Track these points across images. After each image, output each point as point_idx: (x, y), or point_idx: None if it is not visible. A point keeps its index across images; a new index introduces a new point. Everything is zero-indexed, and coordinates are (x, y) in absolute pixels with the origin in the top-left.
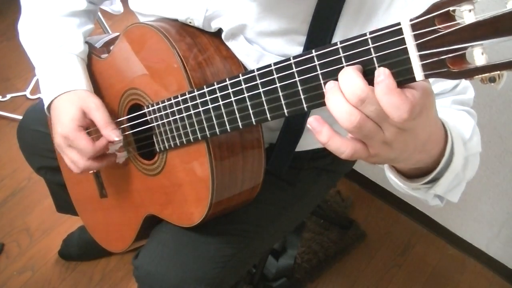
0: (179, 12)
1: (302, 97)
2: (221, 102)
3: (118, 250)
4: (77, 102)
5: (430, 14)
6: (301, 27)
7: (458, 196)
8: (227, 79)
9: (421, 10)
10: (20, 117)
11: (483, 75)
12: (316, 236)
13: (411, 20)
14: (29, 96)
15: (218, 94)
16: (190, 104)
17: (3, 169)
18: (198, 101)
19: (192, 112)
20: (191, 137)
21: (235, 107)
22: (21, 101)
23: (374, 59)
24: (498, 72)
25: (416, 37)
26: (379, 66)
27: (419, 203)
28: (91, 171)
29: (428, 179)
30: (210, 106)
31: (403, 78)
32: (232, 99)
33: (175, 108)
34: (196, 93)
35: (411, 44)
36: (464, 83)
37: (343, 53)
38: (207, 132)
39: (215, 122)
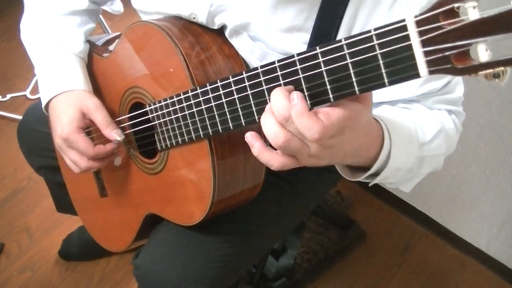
0: (183, 7)
1: (306, 94)
2: (224, 100)
3: (118, 249)
4: (75, 103)
5: (434, 10)
6: (306, 24)
7: (410, 187)
8: (230, 77)
9: (424, 7)
10: (20, 117)
11: (487, 71)
12: (316, 236)
13: (415, 16)
14: (29, 96)
15: (221, 92)
16: (192, 102)
17: (3, 169)
18: (201, 99)
19: (194, 110)
20: (193, 135)
21: (238, 105)
22: (21, 101)
23: (379, 55)
24: (502, 68)
25: (421, 33)
26: (383, 63)
27: (419, 203)
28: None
29: (366, 175)
30: (213, 104)
31: (408, 74)
32: (235, 96)
33: (177, 106)
34: (198, 91)
35: (415, 41)
36: (455, 80)
37: (347, 50)
38: (210, 130)
39: (217, 120)
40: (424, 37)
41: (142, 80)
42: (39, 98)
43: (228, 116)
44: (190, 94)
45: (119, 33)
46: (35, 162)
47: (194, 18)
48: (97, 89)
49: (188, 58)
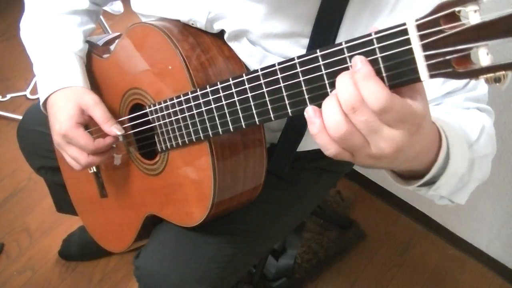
0: (182, 13)
1: (306, 97)
2: (224, 102)
3: (118, 250)
4: (73, 99)
5: (435, 14)
6: (305, 29)
7: (465, 198)
8: (230, 79)
9: (425, 11)
10: (20, 117)
11: (488, 75)
12: (316, 236)
13: (416, 20)
14: (29, 96)
15: (221, 94)
16: (192, 104)
17: (3, 169)
18: (201, 101)
19: (194, 112)
20: (193, 137)
21: (238, 107)
22: (21, 101)
23: (379, 59)
24: (503, 72)
25: (422, 37)
26: (384, 66)
27: (419, 203)
28: (92, 171)
29: (421, 182)
30: (213, 106)
31: (408, 78)
32: (236, 99)
33: (177, 108)
34: (198, 93)
35: (416, 45)
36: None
37: (348, 53)
38: (210, 132)
39: (218, 122)
40: (425, 41)
41: (142, 81)
42: (39, 98)
43: (228, 118)
44: (190, 96)
45: (118, 33)
46: (35, 162)
47: (192, 24)
48: (97, 90)
49: (188, 59)
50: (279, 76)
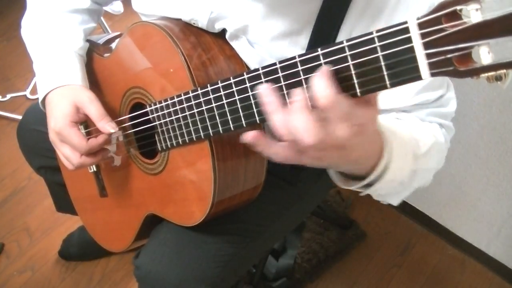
0: (183, 13)
1: (307, 95)
2: (225, 101)
3: (118, 249)
4: (70, 97)
5: (437, 13)
6: (305, 29)
7: (398, 201)
8: (231, 78)
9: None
10: (20, 117)
11: (489, 73)
12: (316, 236)
13: (418, 19)
14: (29, 96)
15: (222, 93)
16: (193, 102)
17: (3, 169)
18: (202, 99)
19: (195, 111)
20: (193, 136)
21: (239, 105)
22: (21, 101)
23: (381, 57)
24: (504, 70)
25: (423, 35)
26: (385, 65)
27: (419, 203)
28: (92, 171)
29: (360, 185)
30: (214, 104)
31: (409, 76)
32: (236, 97)
33: (178, 107)
34: (199, 91)
35: (417, 43)
36: (449, 95)
37: (349, 51)
38: (210, 131)
39: (218, 120)
40: (427, 39)
41: (142, 80)
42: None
43: (229, 117)
44: (190, 94)
45: (119, 32)
46: (35, 162)
47: (194, 23)
48: (97, 89)
49: (189, 58)
50: (280, 74)
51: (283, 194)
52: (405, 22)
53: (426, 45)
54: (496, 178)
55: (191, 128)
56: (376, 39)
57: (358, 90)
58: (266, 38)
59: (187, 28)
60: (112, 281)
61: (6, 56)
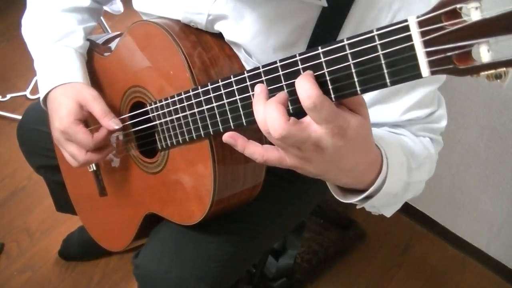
0: (182, 15)
1: None
2: (225, 100)
3: (118, 249)
4: (73, 95)
5: (437, 11)
6: (300, 42)
7: (391, 212)
8: (231, 76)
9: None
10: (20, 117)
11: (489, 72)
12: (316, 236)
13: (418, 17)
14: (29, 96)
15: (222, 92)
16: (193, 101)
17: (3, 169)
18: (202, 98)
19: (195, 110)
20: (194, 135)
21: (239, 104)
22: (21, 101)
23: (381, 56)
24: (504, 69)
25: (423, 34)
26: (385, 63)
27: (419, 203)
28: (91, 170)
29: (359, 198)
30: (214, 104)
31: (409, 74)
32: (237, 97)
33: (178, 106)
34: (199, 90)
35: (417, 41)
36: (440, 112)
37: (349, 50)
38: (210, 130)
39: (218, 119)
40: (426, 38)
41: (143, 79)
42: (39, 98)
43: (229, 116)
44: (191, 93)
45: (119, 32)
46: (35, 162)
47: (193, 25)
48: (98, 88)
49: (190, 58)
50: (281, 73)
51: (283, 193)
52: (405, 21)
53: (426, 43)
54: (496, 178)
55: (191, 127)
56: (376, 37)
57: (358, 89)
58: (261, 52)
59: (188, 27)
60: (112, 281)
61: (6, 56)
